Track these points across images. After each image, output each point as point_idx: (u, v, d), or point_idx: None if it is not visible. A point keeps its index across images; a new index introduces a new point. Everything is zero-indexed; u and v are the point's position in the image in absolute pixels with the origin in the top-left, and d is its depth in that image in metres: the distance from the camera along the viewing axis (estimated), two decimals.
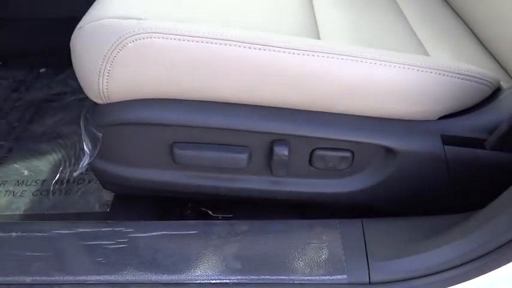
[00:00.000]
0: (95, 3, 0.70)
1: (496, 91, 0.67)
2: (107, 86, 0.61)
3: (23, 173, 0.93)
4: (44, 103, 1.15)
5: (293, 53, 0.58)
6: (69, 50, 1.36)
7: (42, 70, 1.29)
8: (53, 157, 0.97)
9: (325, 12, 0.76)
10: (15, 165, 0.95)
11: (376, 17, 0.80)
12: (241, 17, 0.66)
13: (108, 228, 0.60)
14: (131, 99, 0.62)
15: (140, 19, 0.61)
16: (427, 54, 0.72)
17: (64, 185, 0.89)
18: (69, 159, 0.96)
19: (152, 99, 0.62)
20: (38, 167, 0.94)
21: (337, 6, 0.78)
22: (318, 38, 0.70)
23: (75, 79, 1.33)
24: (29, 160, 0.96)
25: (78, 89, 1.26)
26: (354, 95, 0.60)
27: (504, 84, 0.69)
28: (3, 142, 1.02)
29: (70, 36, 1.34)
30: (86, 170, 0.71)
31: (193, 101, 0.61)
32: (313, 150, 0.63)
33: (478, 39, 0.81)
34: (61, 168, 0.94)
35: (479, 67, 0.71)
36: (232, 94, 0.61)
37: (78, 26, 0.64)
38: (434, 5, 0.91)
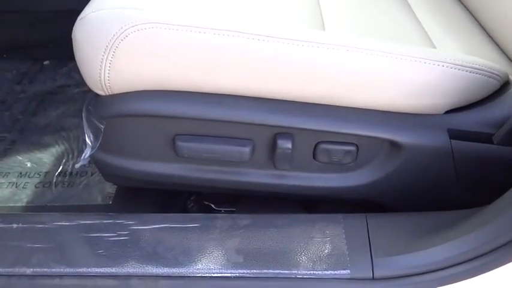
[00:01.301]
0: None
1: (505, 85, 0.66)
2: (108, 77, 0.60)
3: (26, 165, 0.93)
4: (48, 95, 1.15)
5: (297, 45, 0.57)
6: (70, 42, 1.35)
7: (45, 62, 1.28)
8: (56, 149, 0.97)
9: (330, 4, 0.75)
10: (19, 157, 0.95)
11: (383, 9, 0.79)
12: (245, 8, 0.65)
13: (110, 221, 0.59)
14: (133, 90, 0.61)
15: (142, 9, 0.60)
16: (434, 47, 0.71)
17: (67, 178, 0.89)
18: (72, 152, 0.96)
19: (154, 90, 0.61)
20: (41, 159, 0.94)
21: (345, 5, 0.77)
22: (323, 29, 0.69)
23: (79, 72, 1.33)
24: (32, 152, 0.96)
25: (82, 82, 1.25)
26: (359, 87, 0.59)
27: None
28: (6, 134, 1.01)
29: (69, 29, 1.33)
30: (89, 162, 0.71)
31: (196, 92, 0.61)
32: (317, 144, 0.62)
33: (487, 32, 0.79)
34: (64, 161, 0.94)
35: (487, 60, 0.70)
36: (236, 86, 0.60)
37: (79, 17, 0.63)
38: (452, 11, 0.89)
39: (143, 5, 0.61)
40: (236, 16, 0.64)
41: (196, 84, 0.60)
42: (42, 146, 0.98)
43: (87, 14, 0.61)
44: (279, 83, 0.59)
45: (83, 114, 0.67)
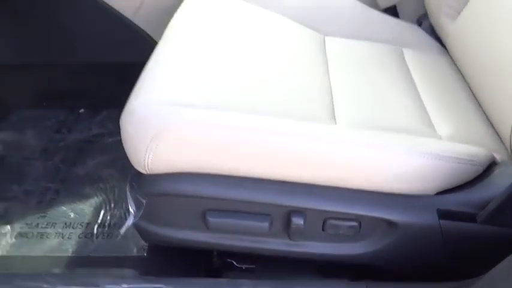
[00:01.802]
0: (143, 76, 0.81)
1: (491, 165, 0.76)
2: (151, 161, 0.72)
3: (70, 215, 1.05)
4: (85, 144, 1.27)
5: (311, 141, 0.69)
6: (104, 91, 1.51)
7: (81, 111, 1.40)
8: (95, 200, 1.08)
9: (342, 91, 0.86)
10: (63, 207, 1.07)
11: (389, 91, 0.89)
12: (269, 104, 0.76)
13: (149, 285, 0.70)
14: (171, 172, 0.73)
15: (186, 105, 0.71)
16: (433, 128, 0.81)
17: (106, 229, 1.01)
18: (109, 203, 1.08)
19: (189, 173, 0.73)
20: (83, 210, 1.06)
21: (354, 85, 0.88)
22: (333, 116, 0.79)
23: (112, 121, 1.48)
24: (74, 203, 1.08)
25: (115, 131, 1.39)
26: (360, 174, 0.70)
27: (498, 156, 0.78)
28: (50, 184, 1.13)
29: (104, 79, 1.52)
30: None
31: (223, 175, 0.72)
32: (325, 219, 0.73)
33: (485, 112, 0.89)
34: (103, 212, 1.05)
35: (479, 138, 0.81)
36: (256, 171, 0.72)
37: (129, 106, 0.74)
38: (447, 76, 1.00)
39: (187, 100, 0.72)
40: (263, 112, 0.75)
41: (225, 169, 0.72)
42: (82, 196, 1.10)
43: (135, 106, 0.73)
44: (294, 170, 0.71)
45: (127, 188, 0.79)
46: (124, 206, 1.07)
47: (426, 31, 1.19)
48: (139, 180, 0.76)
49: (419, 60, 1.06)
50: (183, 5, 1.10)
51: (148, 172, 0.74)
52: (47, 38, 1.34)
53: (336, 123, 0.77)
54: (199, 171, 0.72)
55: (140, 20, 1.30)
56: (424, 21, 1.21)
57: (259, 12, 1.09)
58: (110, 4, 1.27)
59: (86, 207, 1.07)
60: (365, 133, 0.72)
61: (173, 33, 0.93)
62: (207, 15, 1.03)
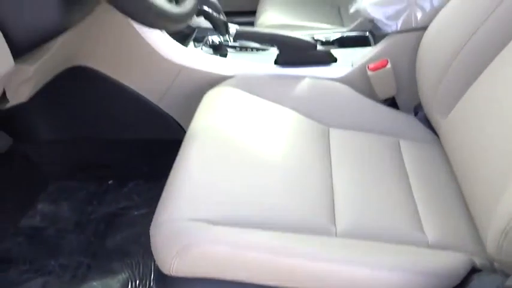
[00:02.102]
0: (168, 189, 0.95)
1: (472, 271, 0.86)
2: (175, 269, 0.85)
3: None
4: (113, 218, 1.40)
5: (311, 260, 0.81)
6: (131, 165, 1.66)
7: (110, 182, 1.55)
8: (122, 276, 1.21)
9: (342, 193, 0.98)
10: (94, 283, 1.19)
11: (385, 189, 1.01)
12: (276, 216, 0.90)
13: None
14: (192, 277, 0.86)
15: (206, 221, 0.85)
16: (423, 231, 0.93)
17: None
18: (135, 279, 1.21)
19: (209, 279, 0.85)
20: (111, 286, 1.19)
21: (354, 184, 1.01)
22: (334, 222, 0.92)
23: (137, 193, 1.62)
24: (104, 278, 1.20)
25: (140, 204, 1.52)
26: (354, 286, 0.82)
27: (478, 260, 0.88)
28: (83, 258, 1.27)
29: (131, 154, 1.67)
30: None
31: (237, 282, 0.84)
32: None
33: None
34: None
35: (462, 241, 0.91)
36: (264, 280, 0.84)
37: (156, 221, 0.88)
38: (437, 169, 1.11)
39: (210, 216, 0.85)
40: (266, 219, 0.88)
41: (236, 277, 0.84)
42: (111, 272, 1.22)
43: (162, 222, 0.87)
44: (295, 280, 0.83)
45: (153, 284, 0.92)
46: (147, 284, 1.19)
47: (422, 120, 1.31)
48: (164, 280, 0.89)
49: (414, 152, 1.18)
50: (203, 101, 1.25)
51: (173, 275, 0.87)
52: (81, 117, 1.51)
53: (335, 233, 0.90)
54: (216, 277, 0.85)
55: (164, 105, 1.46)
56: (420, 111, 1.33)
57: (270, 106, 1.23)
58: (138, 91, 1.44)
59: (114, 283, 1.20)
60: (360, 248, 0.84)
61: (193, 139, 1.07)
62: (223, 114, 1.17)
